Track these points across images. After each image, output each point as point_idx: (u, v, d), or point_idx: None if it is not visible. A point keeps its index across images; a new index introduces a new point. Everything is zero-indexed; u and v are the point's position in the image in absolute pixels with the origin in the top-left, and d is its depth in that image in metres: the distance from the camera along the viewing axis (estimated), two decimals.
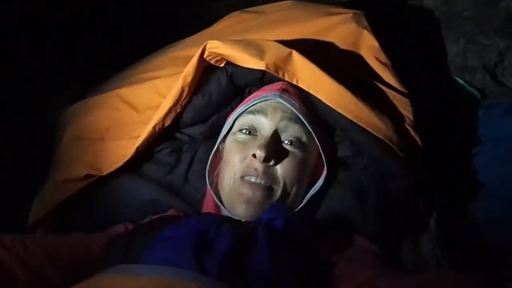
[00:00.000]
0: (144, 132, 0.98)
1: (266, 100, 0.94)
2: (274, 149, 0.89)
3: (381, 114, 0.94)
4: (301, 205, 0.91)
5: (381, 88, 1.03)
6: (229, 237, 0.72)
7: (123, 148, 1.00)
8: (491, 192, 1.05)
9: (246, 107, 0.95)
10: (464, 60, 1.29)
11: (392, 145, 0.93)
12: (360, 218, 0.91)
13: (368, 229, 0.89)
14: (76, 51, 1.27)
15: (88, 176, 0.99)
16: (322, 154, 0.93)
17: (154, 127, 0.99)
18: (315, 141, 0.92)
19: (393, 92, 1.03)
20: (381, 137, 0.93)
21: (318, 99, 0.94)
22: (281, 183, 0.89)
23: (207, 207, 0.97)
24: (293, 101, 0.93)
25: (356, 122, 0.93)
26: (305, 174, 0.92)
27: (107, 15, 1.34)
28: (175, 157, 1.04)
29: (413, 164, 0.94)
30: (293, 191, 0.90)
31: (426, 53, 1.32)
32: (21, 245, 0.73)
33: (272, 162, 0.88)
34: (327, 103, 0.93)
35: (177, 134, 1.05)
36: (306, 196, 0.92)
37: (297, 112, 0.92)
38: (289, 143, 0.91)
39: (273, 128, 0.91)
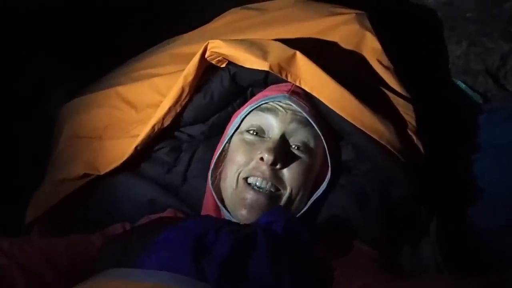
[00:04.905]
0: (143, 132, 0.98)
1: (275, 101, 0.93)
2: (282, 152, 0.88)
3: (384, 119, 0.93)
4: (304, 210, 0.91)
5: (384, 92, 1.03)
6: (228, 241, 0.72)
7: (121, 147, 0.99)
8: (492, 198, 1.04)
9: (255, 106, 0.94)
10: (466, 62, 1.28)
11: (394, 151, 0.93)
12: (361, 223, 0.90)
13: (369, 234, 0.89)
14: (75, 44, 1.26)
15: (86, 175, 0.98)
16: (329, 158, 0.92)
17: (153, 127, 0.98)
18: (323, 144, 0.92)
19: (395, 97, 1.02)
20: (383, 142, 0.92)
21: (321, 101, 0.93)
22: (288, 188, 0.88)
23: (207, 206, 0.96)
24: (302, 103, 0.92)
25: (358, 126, 0.92)
26: (310, 177, 0.91)
27: (107, 8, 1.32)
28: (174, 156, 1.03)
29: (415, 170, 0.94)
30: (299, 196, 0.89)
31: (428, 54, 1.31)
32: (20, 250, 0.73)
33: (279, 166, 0.88)
34: (330, 106, 0.93)
35: (177, 133, 1.05)
36: (309, 201, 0.91)
37: (307, 116, 0.91)
38: (296, 147, 0.91)
39: (281, 131, 0.90)
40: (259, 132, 0.92)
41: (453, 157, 1.13)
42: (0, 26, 1.07)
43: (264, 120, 0.92)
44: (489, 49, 1.26)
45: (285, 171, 0.88)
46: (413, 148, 0.97)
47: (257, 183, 0.87)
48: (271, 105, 0.93)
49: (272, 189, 0.88)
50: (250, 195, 0.87)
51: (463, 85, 1.26)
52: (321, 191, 0.92)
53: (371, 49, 1.07)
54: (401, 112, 1.00)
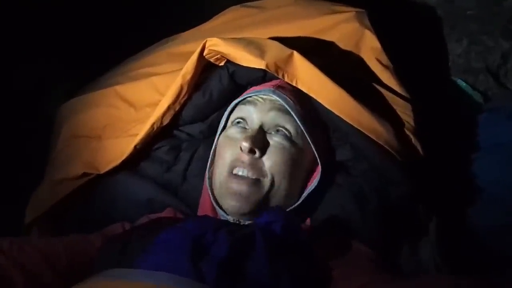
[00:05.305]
0: (142, 131, 0.98)
1: (258, 94, 0.94)
2: (260, 140, 0.89)
3: (381, 119, 0.93)
4: (296, 204, 0.91)
5: (382, 92, 1.02)
6: (226, 241, 0.72)
7: (120, 146, 0.99)
8: (492, 197, 1.04)
9: (239, 101, 0.96)
10: (467, 61, 1.27)
11: (392, 151, 0.92)
12: (359, 223, 0.90)
13: (367, 234, 0.89)
14: (74, 44, 1.25)
15: (85, 174, 0.98)
16: (315, 152, 0.92)
17: (152, 126, 0.98)
18: (307, 138, 0.91)
19: (394, 96, 1.02)
20: (381, 142, 0.92)
21: (318, 101, 0.93)
22: (269, 176, 0.88)
23: (203, 205, 0.97)
24: (287, 97, 0.92)
25: (356, 126, 0.92)
26: (295, 168, 0.90)
27: (106, 7, 1.31)
28: (173, 155, 1.03)
29: (413, 170, 0.94)
30: (283, 185, 0.89)
31: (428, 53, 1.31)
32: (19, 250, 0.73)
33: (257, 154, 0.88)
34: (327, 107, 0.92)
35: (176, 132, 1.04)
36: (302, 196, 0.92)
37: (288, 108, 0.91)
38: (275, 132, 0.91)
39: (260, 120, 0.91)
40: (242, 125, 0.93)
41: (453, 156, 1.12)
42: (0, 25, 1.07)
43: (246, 112, 0.93)
44: (489, 47, 1.26)
45: (265, 158, 0.89)
46: (411, 148, 0.97)
47: (240, 173, 0.88)
48: (253, 98, 0.94)
49: (254, 177, 0.88)
50: (234, 184, 0.88)
51: (463, 84, 1.26)
52: (313, 186, 0.92)
53: (370, 48, 1.06)
54: (400, 112, 1.00)
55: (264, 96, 0.94)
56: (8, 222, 0.98)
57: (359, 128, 0.92)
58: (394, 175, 0.92)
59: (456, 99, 1.25)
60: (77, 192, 0.99)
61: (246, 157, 0.88)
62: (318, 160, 0.92)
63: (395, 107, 1.01)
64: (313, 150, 0.92)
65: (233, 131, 0.93)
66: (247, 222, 0.89)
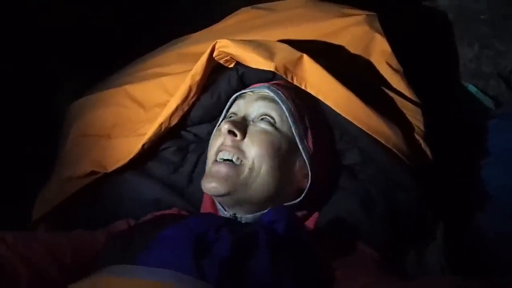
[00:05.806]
0: (150, 130, 0.98)
1: (254, 90, 0.95)
2: (241, 124, 0.89)
3: (390, 123, 0.92)
4: (298, 199, 0.90)
5: (392, 96, 1.02)
6: (229, 240, 0.71)
7: (128, 145, 1.00)
8: (500, 202, 1.03)
9: (235, 97, 0.96)
10: (478, 66, 1.26)
11: (401, 155, 0.92)
12: (366, 225, 0.89)
13: (373, 237, 0.88)
14: (83, 44, 1.27)
15: (93, 173, 0.99)
16: (298, 142, 0.91)
17: (160, 125, 0.98)
18: (293, 132, 0.91)
19: (403, 100, 1.01)
20: (389, 146, 0.91)
21: (326, 104, 0.93)
22: (250, 159, 0.87)
23: (205, 203, 0.97)
24: (279, 91, 0.92)
25: (364, 130, 0.91)
26: (277, 154, 0.88)
27: (115, 7, 1.32)
28: (180, 156, 1.03)
29: (422, 174, 0.93)
30: (263, 169, 0.87)
31: (439, 56, 1.30)
32: (24, 244, 0.74)
33: (238, 136, 0.88)
34: (335, 110, 0.92)
35: (183, 133, 1.05)
36: (304, 191, 0.91)
37: (275, 97, 0.91)
38: (260, 119, 0.91)
39: (246, 109, 0.92)
40: (233, 118, 0.92)
41: (462, 161, 1.11)
42: (8, 26, 1.09)
43: (237, 107, 0.94)
44: (501, 52, 1.24)
45: (246, 141, 0.88)
46: (421, 152, 0.96)
47: (222, 156, 0.88)
48: (247, 93, 0.95)
49: (235, 159, 0.87)
50: (215, 167, 0.88)
51: (474, 89, 1.25)
52: (307, 185, 0.91)
53: (380, 51, 1.06)
54: (409, 116, 0.99)
55: (257, 90, 0.94)
56: (13, 221, 0.98)
57: (367, 131, 0.91)
58: (402, 179, 0.92)
59: (466, 104, 1.24)
60: (84, 190, 1.00)
61: (228, 140, 0.88)
62: (302, 151, 0.91)
63: (404, 111, 1.00)
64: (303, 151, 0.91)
65: (222, 123, 0.92)
66: (243, 218, 0.89)
